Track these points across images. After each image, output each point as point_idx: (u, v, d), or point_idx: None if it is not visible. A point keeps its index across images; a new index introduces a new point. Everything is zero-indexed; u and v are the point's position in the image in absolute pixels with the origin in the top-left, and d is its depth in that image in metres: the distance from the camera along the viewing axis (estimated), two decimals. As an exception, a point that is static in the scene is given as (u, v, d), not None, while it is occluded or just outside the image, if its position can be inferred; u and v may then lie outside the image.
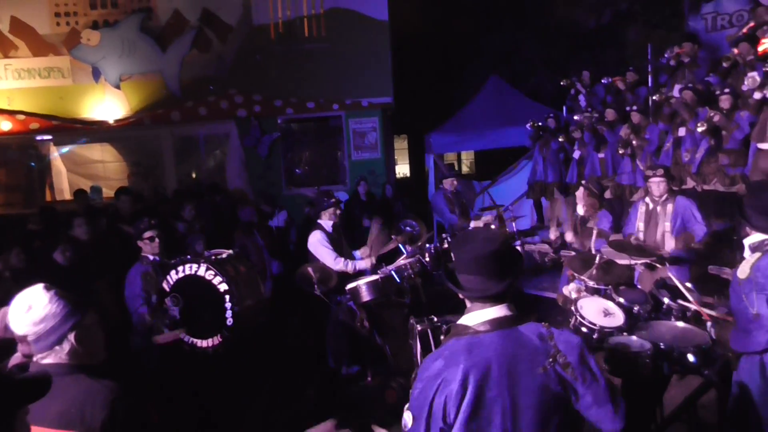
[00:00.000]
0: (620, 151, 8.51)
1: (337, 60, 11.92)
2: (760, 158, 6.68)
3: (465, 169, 18.91)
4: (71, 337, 2.11)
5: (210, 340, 4.94)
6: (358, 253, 6.14)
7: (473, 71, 16.04)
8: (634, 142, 8.34)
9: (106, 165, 12.70)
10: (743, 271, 3.01)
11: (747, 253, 3.14)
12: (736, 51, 8.09)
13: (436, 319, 3.08)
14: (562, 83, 10.67)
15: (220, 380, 4.82)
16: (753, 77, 6.57)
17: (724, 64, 8.07)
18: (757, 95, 6.60)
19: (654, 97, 9.01)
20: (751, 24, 8.51)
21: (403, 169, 18.35)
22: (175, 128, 12.13)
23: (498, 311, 2.03)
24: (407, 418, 2.03)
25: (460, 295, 2.11)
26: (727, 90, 7.34)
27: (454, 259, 2.07)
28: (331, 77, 11.95)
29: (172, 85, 11.92)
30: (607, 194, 8.60)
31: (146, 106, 11.91)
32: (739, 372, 3.11)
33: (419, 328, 3.01)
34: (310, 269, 5.58)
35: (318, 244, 5.85)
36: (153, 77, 11.90)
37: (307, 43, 11.94)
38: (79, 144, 12.39)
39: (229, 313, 4.89)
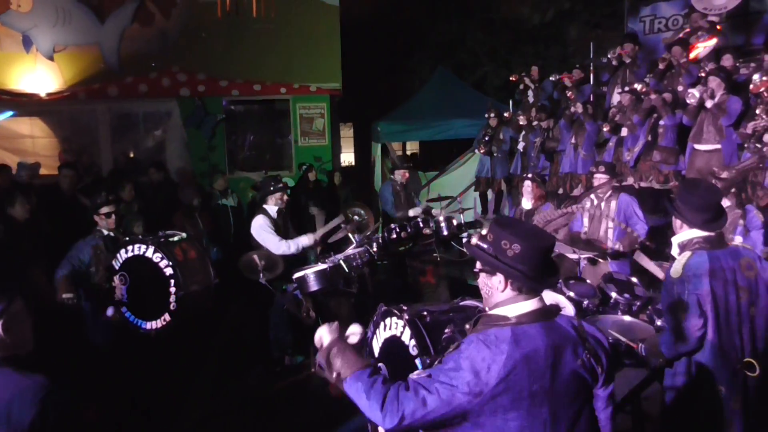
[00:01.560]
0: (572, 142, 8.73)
1: (285, 42, 11.64)
2: (696, 158, 6.99)
3: (409, 158, 18.95)
4: None
5: (154, 323, 4.86)
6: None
7: (419, 61, 16.07)
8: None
9: (36, 140, 11.93)
10: (676, 270, 3.04)
11: (675, 250, 3.19)
12: (668, 54, 8.41)
13: (425, 311, 2.99)
14: (511, 78, 10.81)
15: (161, 366, 4.70)
16: (692, 94, 6.88)
17: (660, 66, 8.37)
18: (695, 103, 6.91)
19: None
20: (687, 29, 8.87)
21: (348, 158, 18.20)
22: (112, 104, 11.54)
23: (535, 304, 2.04)
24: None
25: (507, 286, 2.04)
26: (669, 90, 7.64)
27: (516, 246, 2.00)
28: (279, 60, 11.68)
29: (110, 59, 11.34)
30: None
31: (82, 80, 11.29)
32: (672, 372, 3.19)
33: (406, 316, 2.91)
34: (255, 256, 5.42)
35: (260, 230, 5.68)
36: (90, 50, 11.28)
37: (255, 24, 11.60)
38: (5, 117, 11.63)
39: (173, 298, 4.79)
